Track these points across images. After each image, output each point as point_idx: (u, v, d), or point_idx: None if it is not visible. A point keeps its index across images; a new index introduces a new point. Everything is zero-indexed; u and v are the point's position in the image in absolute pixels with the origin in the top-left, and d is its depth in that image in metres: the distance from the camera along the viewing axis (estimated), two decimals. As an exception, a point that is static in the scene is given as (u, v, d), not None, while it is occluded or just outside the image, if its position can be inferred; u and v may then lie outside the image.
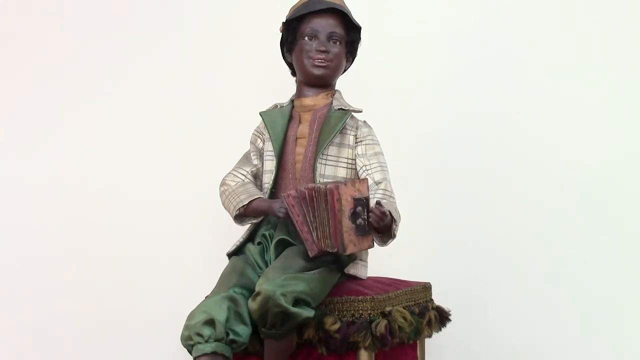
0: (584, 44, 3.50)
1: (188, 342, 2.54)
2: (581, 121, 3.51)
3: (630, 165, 3.49)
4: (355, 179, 2.74)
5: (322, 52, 2.83)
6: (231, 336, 2.52)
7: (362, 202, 2.57)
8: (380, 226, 2.60)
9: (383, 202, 2.71)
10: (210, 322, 2.51)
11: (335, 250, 2.58)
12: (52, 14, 3.86)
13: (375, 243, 2.68)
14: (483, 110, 3.53)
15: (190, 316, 2.57)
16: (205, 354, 2.51)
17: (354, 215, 2.57)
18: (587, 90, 3.50)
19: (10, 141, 3.83)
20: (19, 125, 3.84)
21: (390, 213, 2.62)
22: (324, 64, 2.83)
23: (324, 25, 2.83)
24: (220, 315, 2.52)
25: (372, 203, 2.67)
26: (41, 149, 3.78)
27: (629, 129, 3.50)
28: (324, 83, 2.87)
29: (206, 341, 2.52)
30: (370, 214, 2.57)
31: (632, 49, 3.51)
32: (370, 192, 2.73)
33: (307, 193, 2.59)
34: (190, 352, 2.57)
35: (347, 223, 2.56)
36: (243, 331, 2.54)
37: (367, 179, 2.69)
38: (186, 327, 2.55)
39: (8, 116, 3.84)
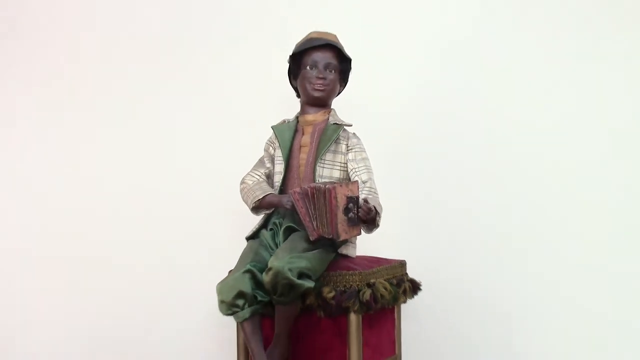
0: (557, 60, 3.61)
1: (228, 312, 2.82)
2: (552, 126, 3.62)
3: (605, 170, 3.59)
4: (348, 181, 2.93)
5: (321, 78, 3.03)
6: (259, 298, 2.81)
7: (353, 200, 2.77)
8: (367, 219, 2.81)
9: (369, 197, 2.92)
10: (241, 295, 2.79)
11: (330, 236, 2.80)
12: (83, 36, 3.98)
13: (362, 231, 2.89)
14: (452, 119, 3.70)
15: (221, 291, 2.83)
16: (245, 319, 2.81)
17: (347, 210, 2.77)
18: (557, 100, 3.63)
19: (50, 148, 3.99)
20: (53, 135, 3.99)
21: (375, 208, 2.82)
22: (321, 88, 3.04)
23: (322, 57, 3.04)
24: (246, 286, 2.79)
25: (361, 199, 2.87)
26: (83, 154, 3.96)
27: (599, 136, 3.59)
28: (322, 103, 3.08)
29: (242, 309, 2.80)
30: (359, 209, 2.77)
31: (600, 63, 3.58)
32: (360, 193, 2.96)
33: (309, 191, 2.80)
34: (232, 317, 2.86)
35: (341, 216, 2.76)
36: (265, 292, 2.82)
37: (357, 181, 2.88)
38: (221, 301, 2.83)
39: (47, 126, 3.99)
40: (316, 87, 3.03)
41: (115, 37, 3.99)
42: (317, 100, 3.05)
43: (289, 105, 3.46)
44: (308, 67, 3.04)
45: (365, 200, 2.79)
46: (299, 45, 3.08)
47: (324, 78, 3.03)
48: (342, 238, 2.80)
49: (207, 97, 3.89)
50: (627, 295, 3.55)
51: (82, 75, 4.01)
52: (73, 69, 4.02)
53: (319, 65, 3.03)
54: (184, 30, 3.91)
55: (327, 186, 2.75)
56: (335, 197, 2.73)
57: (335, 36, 3.10)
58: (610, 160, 3.59)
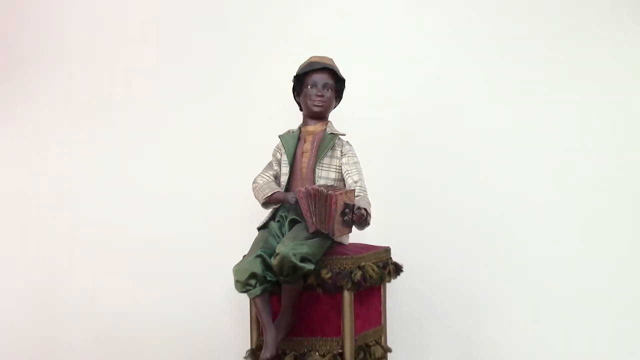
0: (536, 72, 3.76)
1: (242, 290, 3.00)
2: (525, 130, 3.80)
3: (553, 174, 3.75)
4: (347, 189, 3.03)
5: (320, 96, 3.22)
6: (268, 278, 3.01)
7: (349, 206, 2.95)
8: (359, 222, 3.01)
9: (360, 196, 3.09)
10: (253, 275, 2.98)
11: (326, 232, 2.99)
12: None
13: (355, 228, 3.06)
14: (436, 128, 3.85)
15: (237, 272, 3.00)
16: (257, 296, 3.00)
17: (343, 214, 2.95)
18: (532, 111, 3.79)
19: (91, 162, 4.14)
20: (105, 140, 4.12)
21: (366, 212, 2.99)
22: (320, 104, 3.23)
23: (321, 78, 3.23)
24: (258, 269, 2.99)
25: (356, 206, 3.00)
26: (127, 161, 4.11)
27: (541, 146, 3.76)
28: (320, 116, 3.27)
29: (254, 287, 2.99)
30: (353, 214, 2.95)
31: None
32: (354, 188, 3.11)
33: (312, 191, 2.98)
34: (245, 294, 3.04)
35: (338, 218, 2.95)
36: (273, 273, 3.01)
37: (354, 190, 3.05)
38: (237, 281, 3.00)
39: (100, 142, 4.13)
40: (316, 104, 3.22)
41: (136, 55, 4.11)
42: (316, 114, 3.25)
43: (289, 113, 3.65)
44: (309, 87, 3.22)
45: (359, 208, 2.95)
46: (301, 68, 3.27)
47: (322, 96, 3.21)
48: (336, 236, 3.01)
49: (223, 109, 4.01)
50: (604, 286, 3.69)
51: (109, 91, 4.13)
52: (100, 82, 4.15)
53: (318, 85, 3.22)
54: (199, 47, 4.05)
55: (329, 192, 2.93)
56: (336, 203, 2.92)
57: (331, 60, 3.29)
58: (582, 159, 3.73)
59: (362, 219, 2.98)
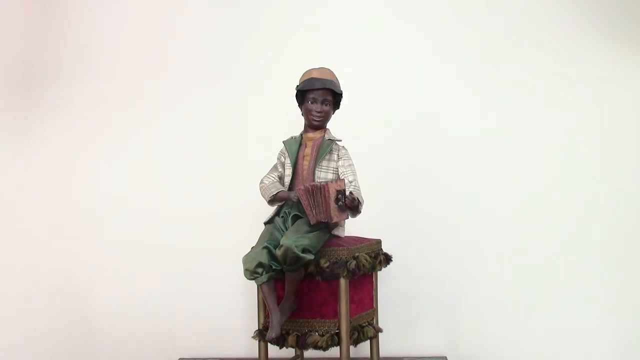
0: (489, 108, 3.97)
1: (251, 278, 3.11)
2: (491, 139, 3.99)
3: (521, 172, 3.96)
4: (337, 179, 3.23)
5: (319, 112, 3.33)
6: (274, 267, 3.13)
7: (341, 192, 3.06)
8: (352, 206, 3.11)
9: (354, 192, 3.24)
10: (260, 264, 3.09)
11: (326, 220, 3.09)
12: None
13: (349, 216, 3.17)
14: (417, 135, 4.05)
15: (246, 261, 3.11)
16: (264, 282, 3.11)
17: (337, 200, 3.05)
18: (484, 128, 4.02)
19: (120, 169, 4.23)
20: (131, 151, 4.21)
21: (357, 199, 3.13)
22: (319, 119, 3.36)
23: (320, 94, 3.33)
24: (264, 258, 3.10)
25: (347, 192, 3.17)
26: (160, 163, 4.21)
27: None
28: (319, 127, 3.40)
29: (261, 275, 3.10)
30: (346, 199, 3.08)
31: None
32: (346, 188, 3.25)
33: (310, 188, 3.11)
34: (253, 281, 3.14)
35: (332, 205, 3.06)
36: (278, 262, 3.12)
37: (344, 179, 3.19)
38: (246, 269, 3.11)
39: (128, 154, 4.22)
40: (315, 118, 3.34)
41: (151, 71, 4.21)
42: (315, 127, 3.40)
43: (290, 122, 3.80)
44: (309, 102, 3.33)
45: (351, 193, 3.10)
46: (303, 84, 3.35)
47: (321, 111, 3.32)
48: (334, 221, 3.10)
49: (244, 123, 4.17)
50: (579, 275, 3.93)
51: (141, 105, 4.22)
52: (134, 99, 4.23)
53: (317, 102, 3.33)
54: (216, 59, 4.17)
55: (322, 184, 3.07)
56: (328, 191, 3.04)
57: (331, 72, 3.38)
58: (540, 162, 3.93)
59: (354, 203, 3.07)
